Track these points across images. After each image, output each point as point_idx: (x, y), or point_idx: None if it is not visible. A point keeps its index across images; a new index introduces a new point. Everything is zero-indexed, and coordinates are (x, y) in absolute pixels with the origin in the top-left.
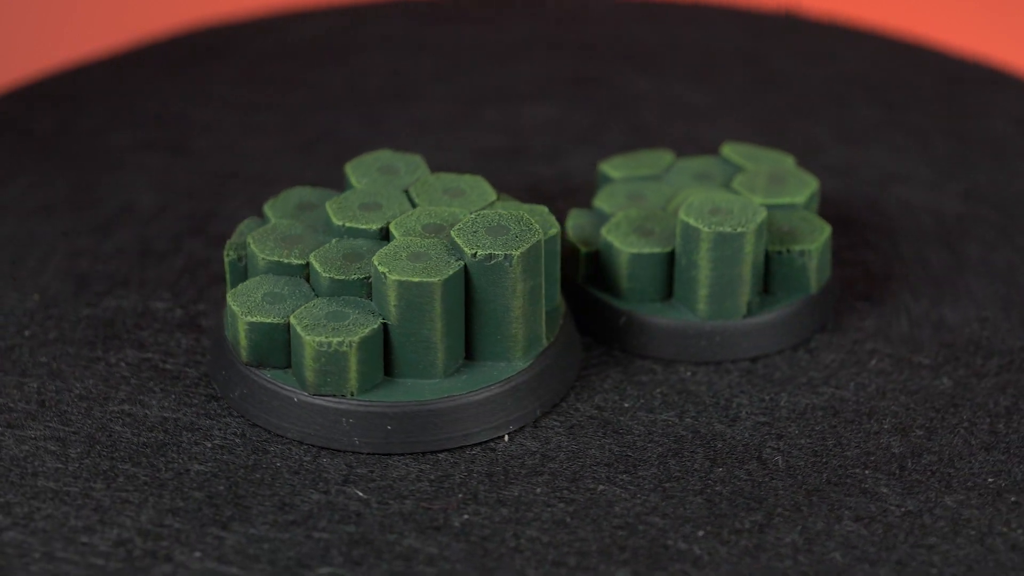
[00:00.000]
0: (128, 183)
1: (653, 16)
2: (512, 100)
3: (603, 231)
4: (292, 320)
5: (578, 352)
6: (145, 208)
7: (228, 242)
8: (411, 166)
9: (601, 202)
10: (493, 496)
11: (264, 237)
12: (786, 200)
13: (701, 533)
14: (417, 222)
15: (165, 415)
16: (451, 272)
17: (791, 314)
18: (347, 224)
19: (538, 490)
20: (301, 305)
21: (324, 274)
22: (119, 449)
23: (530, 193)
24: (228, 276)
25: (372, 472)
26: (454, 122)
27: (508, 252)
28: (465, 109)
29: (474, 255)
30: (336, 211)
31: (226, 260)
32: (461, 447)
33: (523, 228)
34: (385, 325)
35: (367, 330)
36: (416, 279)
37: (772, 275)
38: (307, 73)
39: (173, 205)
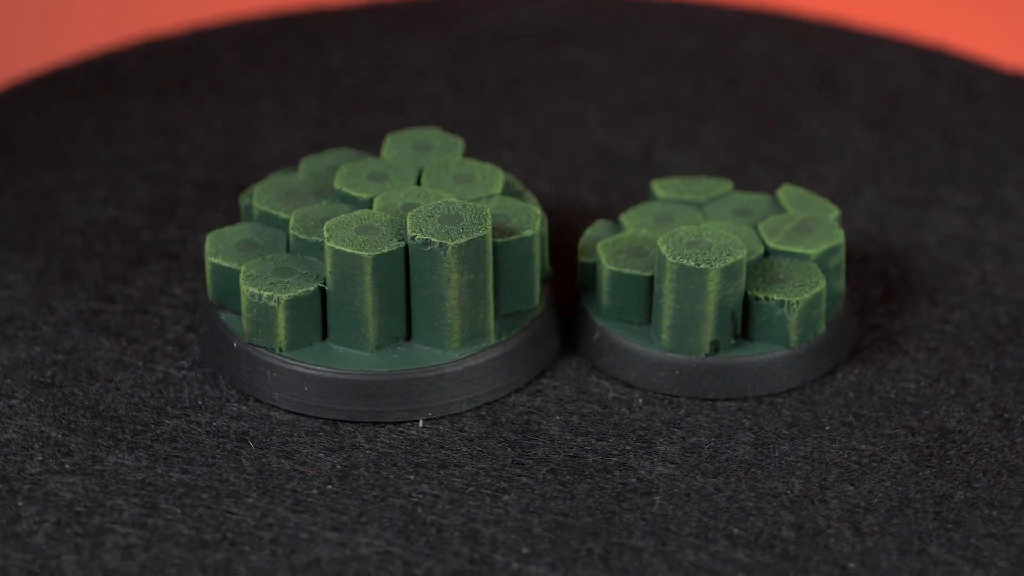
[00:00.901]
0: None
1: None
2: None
3: (599, 245)
4: (242, 268)
5: (540, 355)
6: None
7: (249, 187)
8: (447, 146)
9: (626, 217)
10: (359, 473)
11: (271, 188)
12: (798, 249)
13: (526, 551)
14: (400, 201)
15: (153, 345)
16: (385, 250)
17: (760, 364)
18: (343, 189)
19: (394, 479)
20: (262, 256)
21: (291, 231)
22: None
23: (598, 202)
24: (242, 218)
25: (275, 428)
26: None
27: (444, 241)
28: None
29: (413, 238)
30: (342, 175)
31: (240, 204)
32: (374, 423)
33: (475, 222)
34: (324, 291)
35: (299, 291)
36: (348, 250)
37: (750, 321)
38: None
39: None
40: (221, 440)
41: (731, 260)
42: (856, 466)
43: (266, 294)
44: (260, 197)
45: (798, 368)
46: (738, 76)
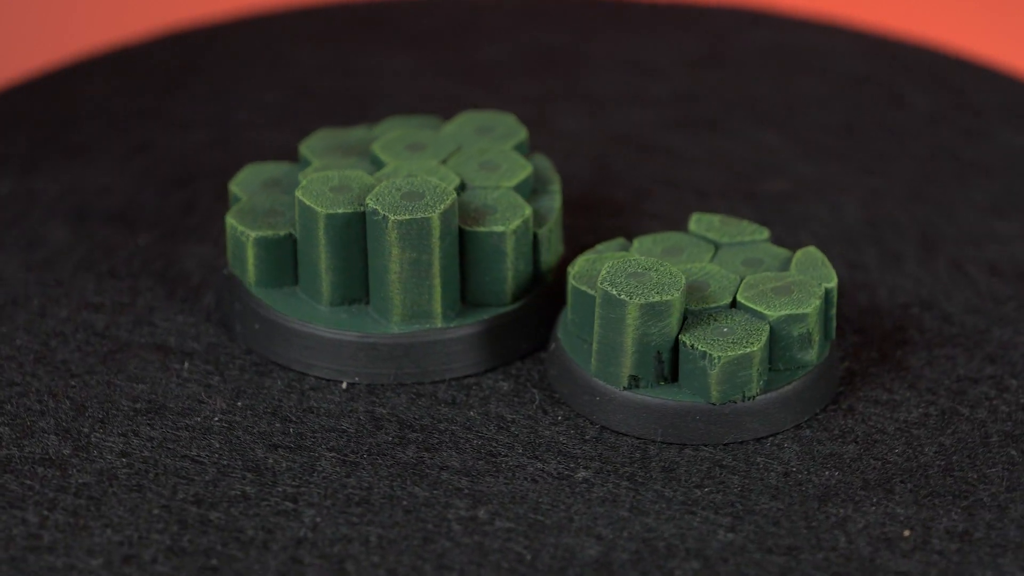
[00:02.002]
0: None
1: None
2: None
3: (581, 257)
4: (243, 199)
5: (491, 350)
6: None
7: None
8: (507, 134)
9: (639, 241)
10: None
11: (327, 138)
12: (760, 308)
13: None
14: (405, 172)
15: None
16: (340, 210)
17: (673, 411)
18: (375, 151)
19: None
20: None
21: (300, 177)
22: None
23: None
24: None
25: (217, 355)
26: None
27: (387, 214)
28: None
29: (366, 205)
30: (383, 142)
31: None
32: (304, 374)
33: (431, 203)
34: (294, 238)
35: (269, 232)
36: (307, 202)
37: (679, 366)
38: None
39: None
40: (164, 354)
41: (655, 298)
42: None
43: (240, 228)
44: (310, 143)
45: (718, 425)
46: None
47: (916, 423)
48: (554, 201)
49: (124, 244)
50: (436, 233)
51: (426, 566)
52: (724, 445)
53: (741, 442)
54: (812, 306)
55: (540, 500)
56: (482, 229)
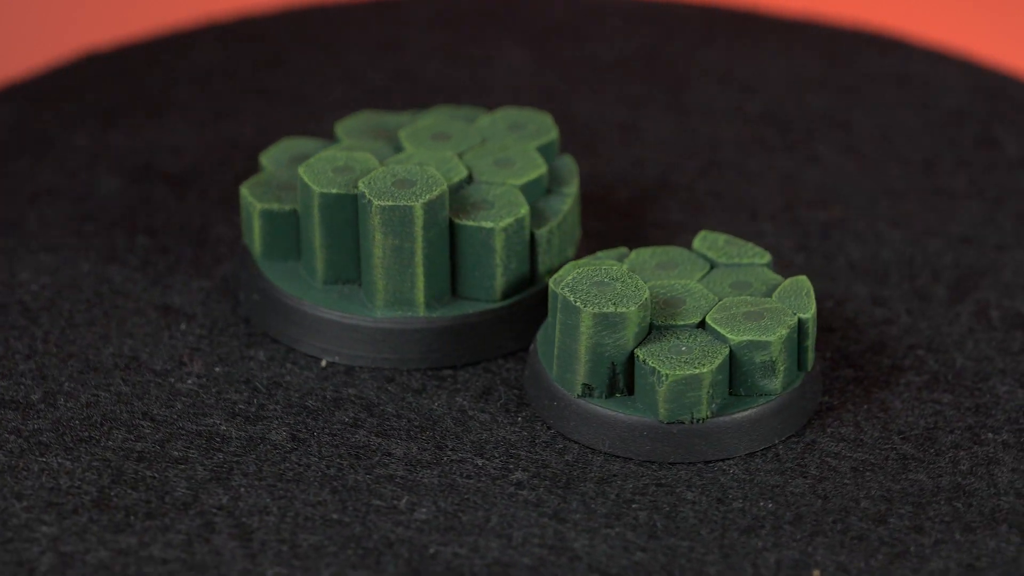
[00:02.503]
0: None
1: None
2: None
3: (570, 263)
4: (266, 173)
5: (468, 344)
6: None
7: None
8: (536, 132)
9: (637, 253)
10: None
11: (363, 120)
12: (724, 331)
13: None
14: (414, 161)
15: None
16: (333, 190)
17: (622, 424)
18: (400, 136)
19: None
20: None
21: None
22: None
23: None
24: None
25: (213, 321)
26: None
27: (371, 199)
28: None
29: (355, 187)
30: (410, 130)
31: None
32: (291, 348)
33: (419, 192)
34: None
35: (274, 206)
36: (305, 179)
37: (634, 379)
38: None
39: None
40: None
41: (609, 309)
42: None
43: (250, 199)
44: (347, 123)
45: (665, 444)
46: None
47: (872, 466)
48: (564, 204)
49: (170, 205)
50: (419, 222)
51: (329, 547)
52: (670, 464)
53: (689, 463)
54: (777, 334)
55: (467, 497)
56: (471, 223)
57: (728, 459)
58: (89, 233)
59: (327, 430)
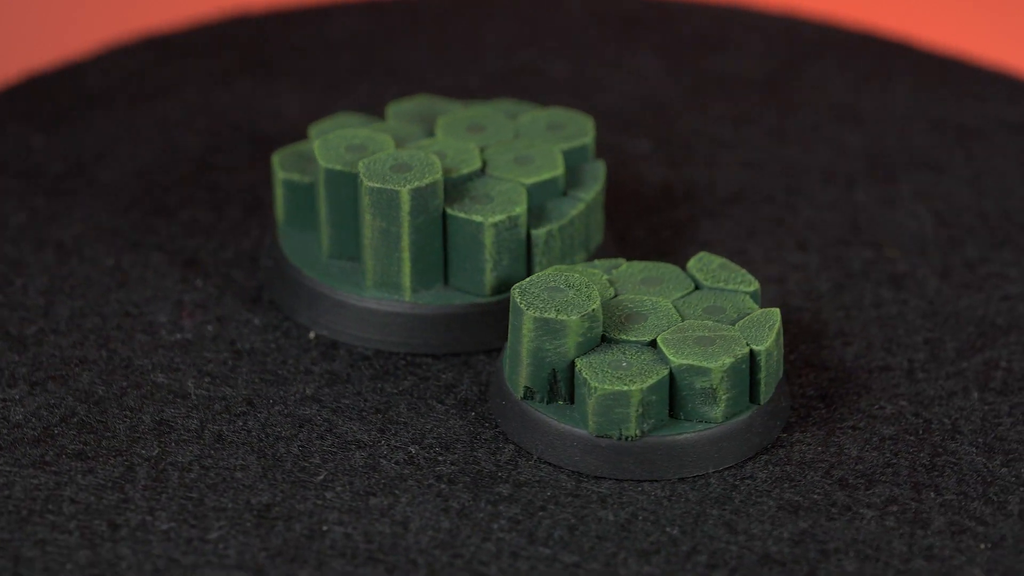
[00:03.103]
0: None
1: None
2: None
3: (557, 266)
4: (304, 143)
5: (450, 336)
6: None
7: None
8: (573, 135)
9: (629, 265)
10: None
11: (417, 104)
12: (668, 352)
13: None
14: (433, 149)
15: None
16: (338, 167)
17: (554, 431)
18: (436, 125)
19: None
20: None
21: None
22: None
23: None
24: None
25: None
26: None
27: (362, 179)
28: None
29: (355, 165)
30: (449, 119)
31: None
32: (287, 317)
33: (409, 178)
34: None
35: (295, 176)
36: (316, 153)
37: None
38: None
39: None
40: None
41: (551, 315)
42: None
43: (275, 167)
44: (401, 106)
45: (593, 457)
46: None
47: (797, 507)
48: (573, 208)
49: (240, 166)
50: (405, 207)
51: (230, 510)
52: (597, 478)
53: (617, 480)
54: (720, 362)
55: (383, 482)
56: (462, 215)
57: (657, 481)
58: (152, 184)
59: (283, 399)
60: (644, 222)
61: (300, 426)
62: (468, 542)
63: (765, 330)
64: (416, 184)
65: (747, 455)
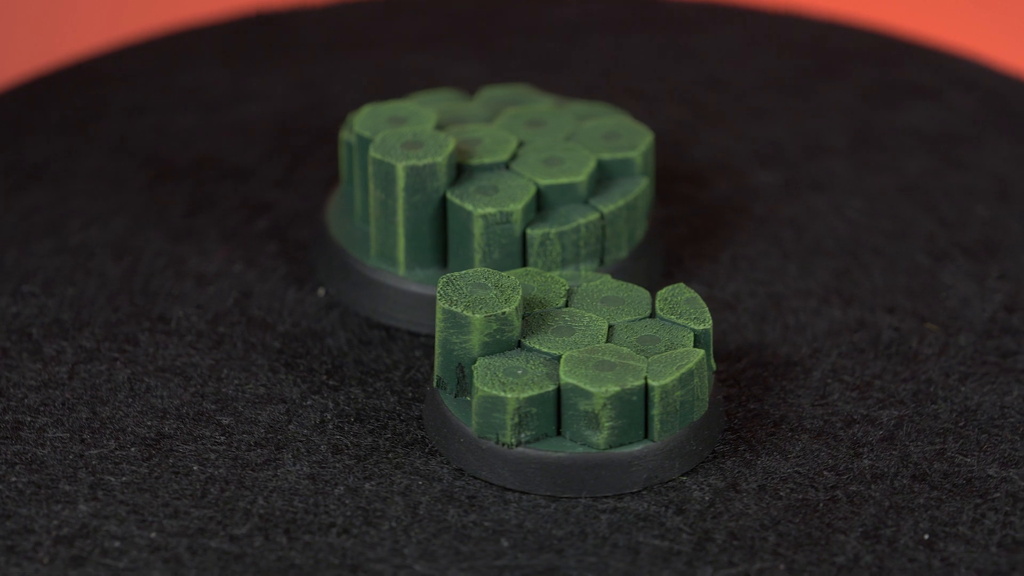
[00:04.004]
0: None
1: None
2: None
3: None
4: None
5: (430, 311)
6: None
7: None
8: (628, 145)
9: (603, 279)
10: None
11: (506, 92)
12: (555, 351)
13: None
14: (467, 136)
15: None
16: (365, 132)
17: (446, 424)
18: (498, 118)
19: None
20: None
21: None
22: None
23: None
24: None
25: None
26: None
27: (371, 149)
28: None
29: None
30: (515, 111)
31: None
32: (313, 273)
33: (410, 155)
34: None
35: (346, 136)
36: (356, 121)
37: None
38: None
39: None
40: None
41: (456, 309)
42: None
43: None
44: (492, 91)
45: (474, 456)
46: None
47: (661, 534)
48: (584, 216)
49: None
50: (400, 183)
51: (159, 455)
52: (474, 478)
53: (491, 484)
54: (603, 388)
55: (270, 435)
56: (456, 201)
57: (527, 493)
58: (261, 148)
59: (262, 352)
60: (689, 239)
61: (245, 369)
62: (307, 508)
63: (672, 368)
64: (413, 163)
65: (628, 488)
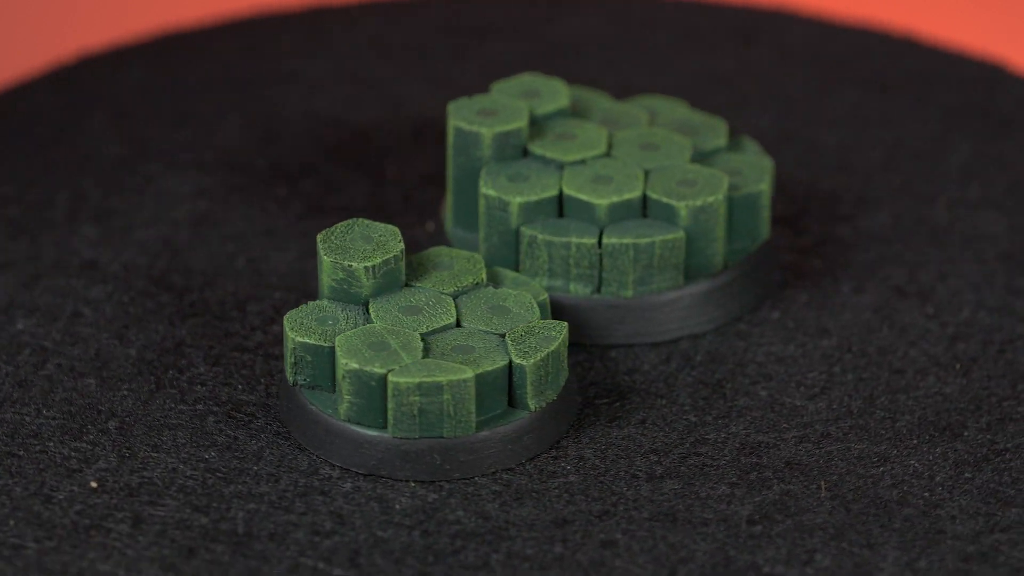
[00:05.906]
0: None
1: None
2: None
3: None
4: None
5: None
6: None
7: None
8: (704, 141)
9: (518, 293)
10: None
11: (643, 102)
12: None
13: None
14: (557, 131)
15: None
16: (463, 124)
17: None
18: (577, 110)
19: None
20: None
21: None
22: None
23: None
24: None
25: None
26: None
27: (448, 111)
28: None
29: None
30: (597, 100)
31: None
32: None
33: (481, 123)
34: None
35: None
36: (450, 108)
37: None
38: None
39: None
40: None
41: (329, 242)
42: None
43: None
44: (646, 98)
45: (286, 399)
46: None
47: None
48: (583, 237)
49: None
50: (450, 139)
51: (117, 427)
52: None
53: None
54: (346, 362)
55: (175, 409)
56: (482, 175)
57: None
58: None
59: (251, 312)
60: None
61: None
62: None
63: (423, 374)
64: (463, 125)
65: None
